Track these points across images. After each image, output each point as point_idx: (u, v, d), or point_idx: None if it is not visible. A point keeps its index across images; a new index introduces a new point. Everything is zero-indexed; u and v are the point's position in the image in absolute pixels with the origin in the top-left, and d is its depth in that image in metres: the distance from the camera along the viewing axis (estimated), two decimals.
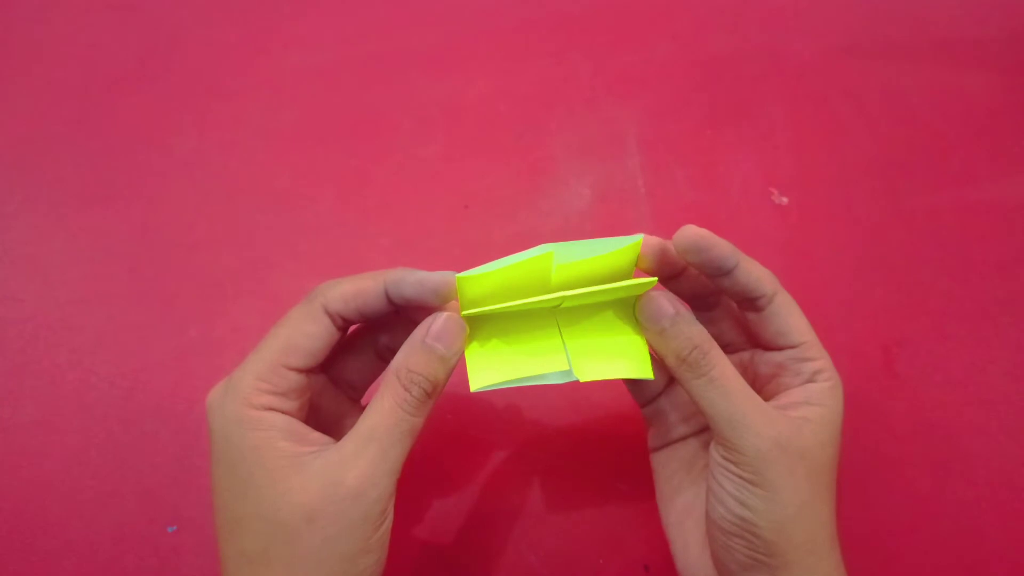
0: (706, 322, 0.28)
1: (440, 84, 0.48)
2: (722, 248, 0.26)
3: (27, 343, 0.39)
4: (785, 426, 0.25)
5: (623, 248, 0.26)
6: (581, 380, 0.27)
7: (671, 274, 0.28)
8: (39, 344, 0.39)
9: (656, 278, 0.27)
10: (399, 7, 0.51)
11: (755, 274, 0.27)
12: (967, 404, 0.37)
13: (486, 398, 0.38)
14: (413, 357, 0.25)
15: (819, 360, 0.27)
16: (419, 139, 0.46)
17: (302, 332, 0.26)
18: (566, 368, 0.27)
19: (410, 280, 0.26)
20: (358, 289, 0.26)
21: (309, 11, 0.51)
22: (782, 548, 0.25)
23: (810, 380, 0.27)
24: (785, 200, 0.43)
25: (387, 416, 0.24)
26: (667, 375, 0.32)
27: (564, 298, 0.26)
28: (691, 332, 0.26)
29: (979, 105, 0.47)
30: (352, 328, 0.29)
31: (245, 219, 0.43)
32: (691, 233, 0.26)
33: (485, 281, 0.25)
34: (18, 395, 0.38)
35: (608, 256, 0.26)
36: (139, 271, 0.41)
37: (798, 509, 0.25)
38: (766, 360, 0.29)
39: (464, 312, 0.26)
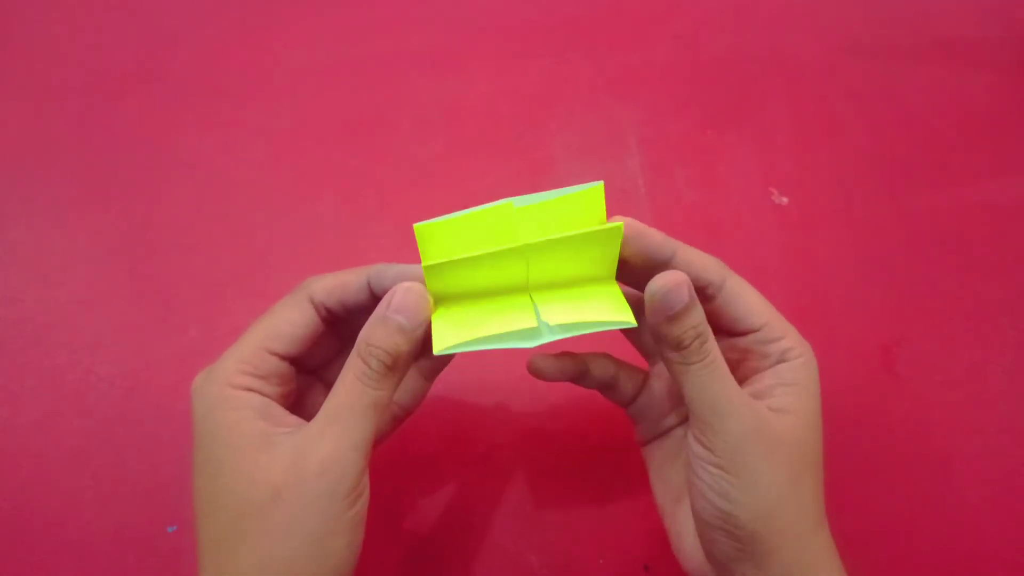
0: None
1: (440, 84, 0.48)
2: (653, 237, 0.26)
3: (27, 343, 0.39)
4: (762, 412, 0.25)
5: (585, 190, 0.25)
6: (550, 326, 0.25)
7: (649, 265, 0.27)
8: (39, 344, 0.39)
9: (622, 223, 0.25)
10: (399, 7, 0.51)
11: (697, 263, 0.27)
12: (967, 404, 0.37)
13: (485, 398, 0.38)
14: (373, 330, 0.25)
15: (785, 338, 0.27)
16: (419, 139, 0.46)
17: (285, 319, 0.26)
18: (534, 324, 0.25)
19: (390, 273, 0.26)
20: (341, 281, 0.27)
21: (309, 11, 0.51)
22: (764, 536, 0.25)
23: (780, 360, 0.27)
24: (785, 200, 0.43)
25: (348, 391, 0.24)
26: (641, 378, 0.31)
27: (529, 246, 0.25)
28: (697, 319, 0.25)
29: (979, 105, 0.47)
30: (346, 331, 0.29)
31: (245, 219, 0.43)
32: (628, 224, 0.26)
33: (446, 230, 0.25)
34: (18, 395, 0.38)
35: (571, 198, 0.25)
36: (139, 271, 0.41)
37: (778, 497, 0.25)
38: (731, 346, 0.28)
39: (426, 263, 0.25)
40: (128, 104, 0.47)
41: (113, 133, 0.46)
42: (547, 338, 0.25)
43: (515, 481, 0.36)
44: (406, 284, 0.25)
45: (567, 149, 0.45)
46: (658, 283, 0.25)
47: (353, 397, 0.24)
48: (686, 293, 0.25)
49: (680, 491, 0.29)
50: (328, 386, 0.30)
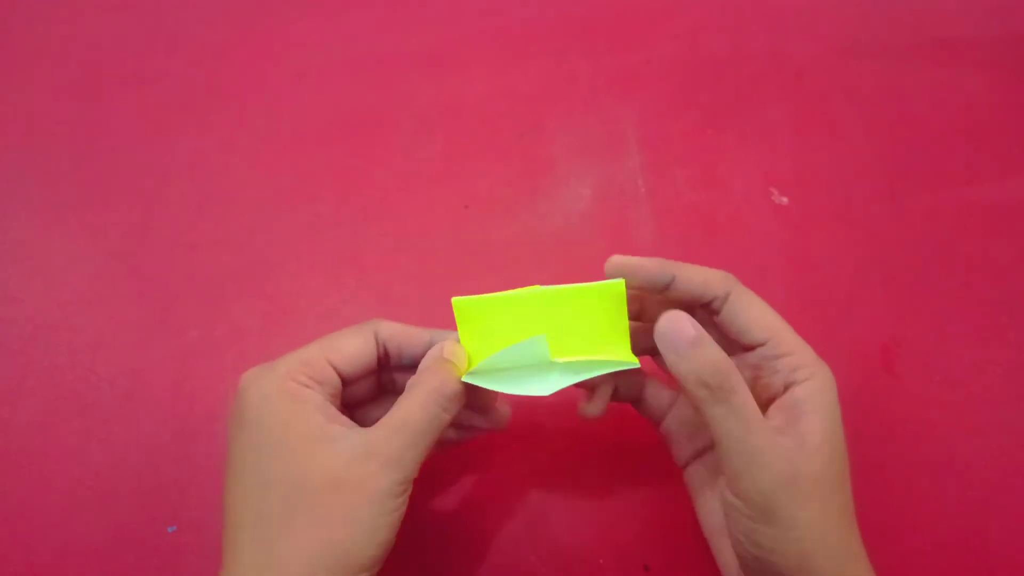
0: None
1: (440, 84, 0.48)
2: (648, 269, 0.27)
3: (27, 343, 0.39)
4: (793, 457, 0.25)
5: (604, 284, 0.28)
6: (559, 364, 0.28)
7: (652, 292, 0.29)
8: (39, 344, 0.39)
9: (623, 281, 0.27)
10: (399, 7, 0.51)
11: (698, 280, 0.27)
12: (967, 404, 0.37)
13: None
14: (440, 367, 0.28)
15: (794, 354, 0.27)
16: (419, 139, 0.46)
17: (348, 341, 0.28)
18: (547, 357, 0.27)
19: (453, 338, 0.29)
20: (407, 331, 0.30)
21: (309, 11, 0.51)
22: (807, 572, 0.25)
23: (792, 380, 0.26)
24: (785, 200, 0.43)
25: (421, 406, 0.26)
26: (670, 396, 0.31)
27: (541, 293, 0.28)
28: (714, 356, 0.25)
29: (979, 105, 0.47)
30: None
31: (245, 219, 0.43)
32: (616, 263, 0.28)
33: (479, 305, 0.29)
34: (18, 395, 0.38)
35: (590, 288, 0.28)
36: (139, 271, 0.41)
37: (815, 541, 0.25)
38: (742, 361, 0.28)
39: (457, 300, 0.29)
40: (128, 104, 0.47)
41: (113, 133, 0.46)
42: (559, 382, 0.27)
43: (515, 481, 0.36)
44: (453, 338, 0.29)
45: (567, 149, 0.45)
46: (661, 324, 0.26)
47: (425, 412, 0.26)
48: (690, 329, 0.26)
49: (721, 519, 0.29)
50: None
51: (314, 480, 0.25)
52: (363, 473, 0.25)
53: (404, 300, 0.40)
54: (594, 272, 0.41)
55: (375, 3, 0.51)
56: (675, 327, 0.26)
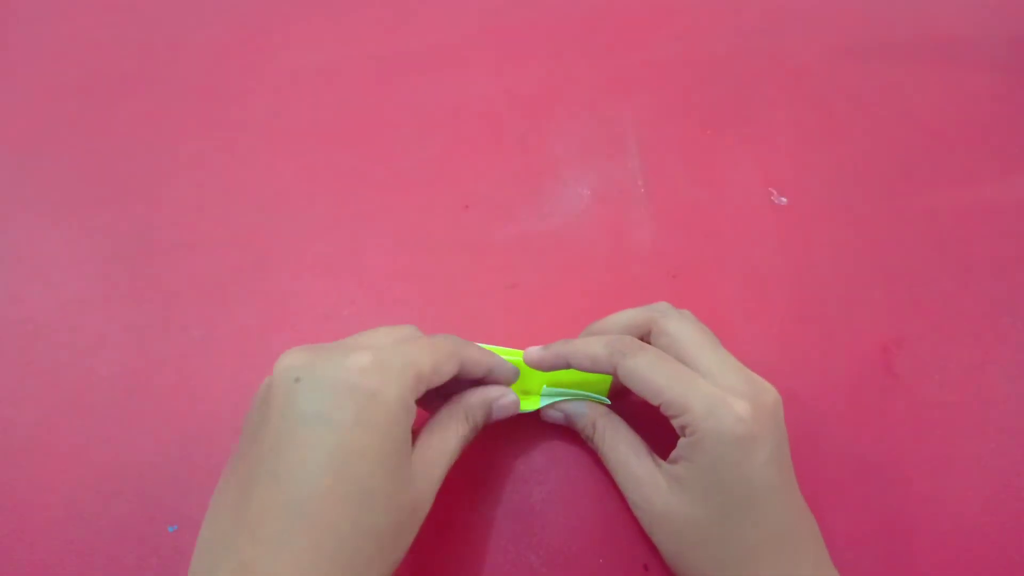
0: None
1: (440, 84, 0.48)
2: (546, 362, 0.32)
3: (27, 343, 0.39)
4: (644, 490, 0.30)
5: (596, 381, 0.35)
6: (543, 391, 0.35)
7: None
8: (39, 344, 0.39)
9: (610, 376, 0.32)
10: (399, 7, 0.51)
11: (586, 361, 0.31)
12: (967, 404, 0.37)
13: None
14: (480, 410, 0.32)
15: (680, 416, 0.28)
16: (419, 139, 0.46)
17: (444, 369, 0.29)
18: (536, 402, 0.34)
19: (506, 369, 0.33)
20: (477, 361, 0.31)
21: (309, 12, 0.51)
22: None
23: (681, 434, 0.29)
24: (785, 200, 0.43)
25: (453, 440, 0.30)
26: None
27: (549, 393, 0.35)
28: (582, 424, 0.34)
29: (979, 105, 0.47)
30: None
31: (245, 219, 0.43)
32: (528, 359, 0.33)
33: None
34: (18, 395, 0.38)
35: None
36: (139, 271, 0.41)
37: (675, 567, 0.30)
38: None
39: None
40: (128, 104, 0.47)
41: (113, 133, 0.46)
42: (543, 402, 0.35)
43: (515, 481, 0.36)
44: (515, 397, 0.33)
45: (567, 149, 0.45)
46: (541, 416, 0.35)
47: (455, 445, 0.30)
48: (555, 413, 0.35)
49: None
50: None
51: (407, 504, 0.26)
52: (424, 498, 0.27)
53: (404, 300, 0.40)
54: (592, 273, 0.41)
55: (375, 3, 0.51)
56: (548, 418, 0.35)
